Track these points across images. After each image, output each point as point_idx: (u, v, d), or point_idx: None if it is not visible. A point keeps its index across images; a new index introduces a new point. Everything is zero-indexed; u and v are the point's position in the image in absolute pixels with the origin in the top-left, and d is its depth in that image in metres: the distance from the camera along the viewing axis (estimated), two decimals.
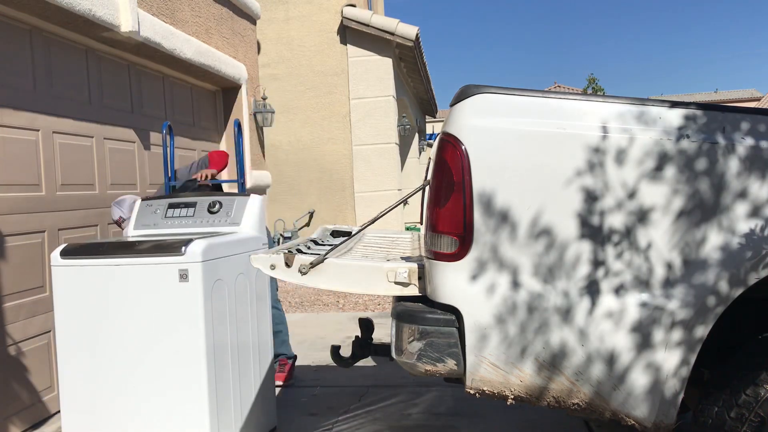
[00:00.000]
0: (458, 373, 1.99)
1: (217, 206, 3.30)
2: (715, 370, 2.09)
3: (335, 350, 3.03)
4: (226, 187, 4.52)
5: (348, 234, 3.30)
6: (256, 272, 3.12)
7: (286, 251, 2.23)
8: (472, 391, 1.99)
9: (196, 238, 2.80)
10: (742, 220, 1.91)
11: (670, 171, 1.92)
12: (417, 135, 14.24)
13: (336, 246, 2.37)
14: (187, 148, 5.83)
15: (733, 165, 1.92)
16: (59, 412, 3.79)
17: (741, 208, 1.91)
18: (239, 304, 3.01)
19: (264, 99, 7.27)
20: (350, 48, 9.47)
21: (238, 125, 4.06)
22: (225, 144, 6.43)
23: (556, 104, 1.99)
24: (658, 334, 1.89)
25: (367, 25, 9.23)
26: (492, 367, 1.95)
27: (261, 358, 3.25)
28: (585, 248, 1.92)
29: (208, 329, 2.72)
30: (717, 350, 2.12)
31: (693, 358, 1.91)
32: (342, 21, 9.38)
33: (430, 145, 15.05)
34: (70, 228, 4.06)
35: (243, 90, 6.76)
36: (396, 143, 9.69)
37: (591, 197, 1.92)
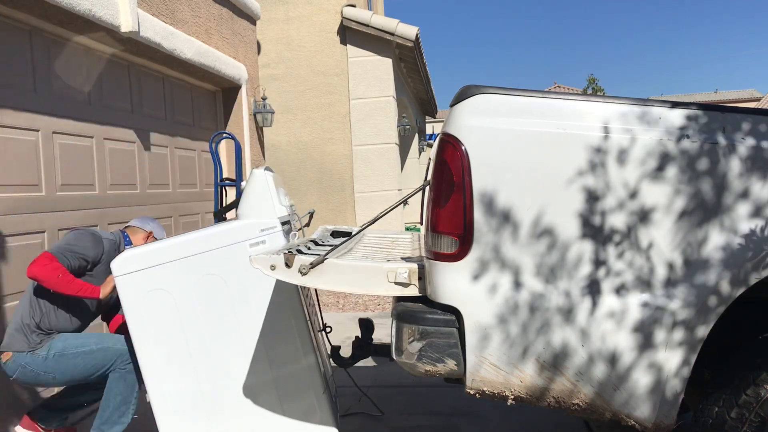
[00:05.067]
0: (458, 373, 1.99)
1: None
2: (716, 370, 2.09)
3: (335, 350, 3.04)
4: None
5: (348, 234, 3.30)
6: (244, 271, 2.80)
7: (286, 251, 2.23)
8: (472, 392, 1.99)
9: (134, 247, 2.87)
10: (742, 221, 1.91)
11: (671, 171, 1.92)
12: (417, 135, 14.22)
13: (336, 246, 2.37)
14: (187, 149, 5.83)
15: (733, 165, 1.92)
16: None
17: (742, 209, 1.92)
18: (200, 310, 2.79)
19: (264, 99, 7.26)
20: (350, 48, 9.47)
21: (239, 149, 4.35)
22: (225, 145, 6.43)
23: (556, 104, 1.99)
24: (660, 334, 1.89)
25: (367, 26, 9.22)
26: (492, 367, 1.95)
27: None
28: (586, 248, 1.92)
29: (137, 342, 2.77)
30: (717, 350, 2.12)
31: (694, 358, 1.91)
32: (342, 21, 9.37)
33: (430, 146, 15.05)
34: (70, 228, 4.06)
35: (243, 90, 6.76)
36: (396, 143, 9.68)
37: (592, 197, 1.92)
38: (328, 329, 3.31)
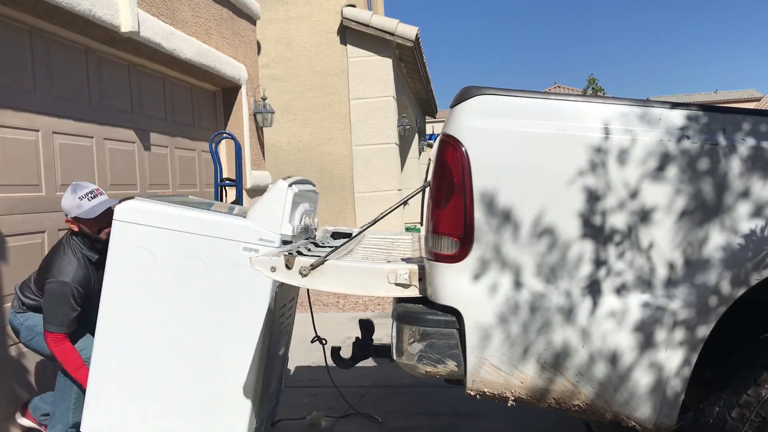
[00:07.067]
0: (459, 374, 1.99)
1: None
2: (717, 370, 2.09)
3: (335, 351, 3.03)
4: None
5: (348, 235, 3.30)
6: (226, 268, 2.76)
7: (287, 253, 2.23)
8: (472, 393, 1.99)
9: (146, 198, 2.84)
10: (743, 221, 1.91)
11: (671, 171, 1.92)
12: (417, 135, 14.23)
13: (336, 248, 2.37)
14: (186, 149, 5.83)
15: (734, 165, 1.92)
16: None
17: (742, 209, 1.92)
18: (174, 286, 2.77)
19: (264, 99, 7.26)
20: (350, 48, 9.47)
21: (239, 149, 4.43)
22: (225, 145, 6.43)
23: (556, 105, 1.99)
24: (660, 335, 1.89)
25: (367, 26, 9.22)
26: (493, 368, 1.95)
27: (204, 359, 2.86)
28: (587, 248, 1.92)
29: (109, 288, 2.79)
30: (718, 350, 2.12)
31: (695, 358, 1.91)
32: (342, 21, 9.37)
33: (430, 146, 15.04)
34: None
35: (243, 90, 6.76)
36: (396, 143, 9.68)
37: (593, 197, 1.92)
38: (324, 341, 3.32)
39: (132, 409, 2.81)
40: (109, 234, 2.93)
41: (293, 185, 2.85)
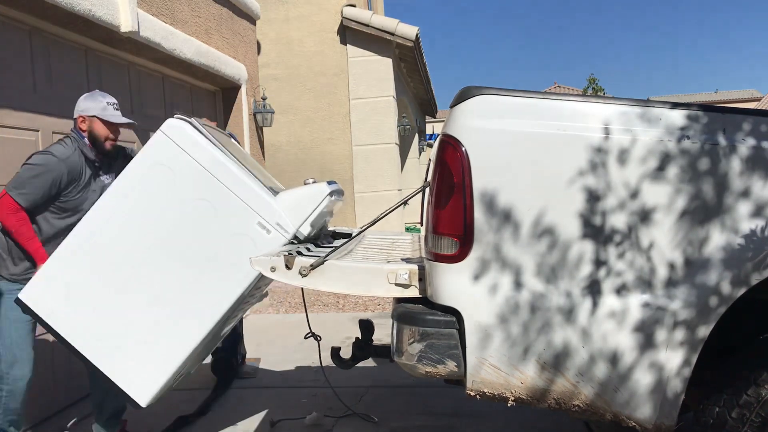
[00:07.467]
0: (459, 374, 1.99)
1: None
2: (717, 371, 2.08)
3: (335, 352, 3.04)
4: None
5: (348, 236, 3.30)
6: (232, 232, 2.72)
7: (287, 253, 2.23)
8: (472, 393, 1.99)
9: (203, 125, 2.80)
10: (743, 221, 1.91)
11: (671, 171, 1.92)
12: (417, 135, 14.23)
13: (336, 248, 2.37)
14: None
15: (734, 165, 1.92)
16: (60, 411, 3.79)
17: (742, 209, 1.91)
18: (179, 220, 2.74)
19: (264, 99, 7.26)
20: (350, 48, 9.47)
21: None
22: None
23: (556, 105, 1.99)
24: (660, 335, 1.89)
25: (367, 26, 9.22)
26: (493, 368, 1.95)
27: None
28: (587, 248, 1.92)
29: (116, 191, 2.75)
30: (718, 350, 2.12)
31: (695, 359, 1.91)
32: (342, 21, 9.37)
33: (430, 146, 15.05)
34: None
35: (243, 90, 6.76)
36: (396, 143, 9.68)
37: (593, 197, 1.92)
38: (318, 338, 3.31)
39: (78, 307, 2.74)
40: (112, 146, 3.05)
41: (333, 194, 2.82)
